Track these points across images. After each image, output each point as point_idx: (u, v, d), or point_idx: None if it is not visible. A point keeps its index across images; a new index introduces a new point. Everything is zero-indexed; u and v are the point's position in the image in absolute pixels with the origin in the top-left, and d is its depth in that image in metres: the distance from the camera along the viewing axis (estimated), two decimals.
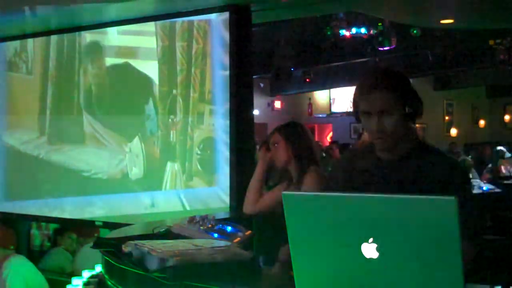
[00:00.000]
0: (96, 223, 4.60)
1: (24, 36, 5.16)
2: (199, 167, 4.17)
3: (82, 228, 5.01)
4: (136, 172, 4.51)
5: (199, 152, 4.17)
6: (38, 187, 5.09)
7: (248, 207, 2.97)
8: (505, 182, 7.34)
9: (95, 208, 4.68)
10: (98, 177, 4.73)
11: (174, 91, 4.30)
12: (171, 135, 4.32)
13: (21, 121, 5.30)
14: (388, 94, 1.87)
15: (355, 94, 1.96)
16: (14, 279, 3.77)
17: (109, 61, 4.69)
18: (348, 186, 2.03)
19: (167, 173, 4.33)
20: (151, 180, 4.41)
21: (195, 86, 4.19)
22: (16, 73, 5.29)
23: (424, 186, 1.86)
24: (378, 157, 1.98)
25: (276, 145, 2.80)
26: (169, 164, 4.32)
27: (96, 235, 4.70)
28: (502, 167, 8.03)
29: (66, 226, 5.09)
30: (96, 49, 4.75)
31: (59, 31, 4.91)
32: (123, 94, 4.67)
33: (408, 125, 1.94)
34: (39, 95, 5.13)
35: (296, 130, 2.83)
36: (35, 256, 5.23)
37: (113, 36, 4.67)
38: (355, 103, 1.96)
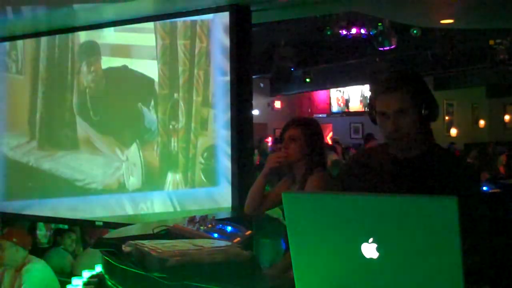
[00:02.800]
0: (97, 223, 4.59)
1: (16, 37, 5.10)
2: (202, 177, 4.06)
3: (85, 230, 5.00)
4: (133, 182, 4.34)
5: (202, 161, 4.04)
6: (28, 195, 4.96)
7: (251, 208, 2.94)
8: (503, 181, 7.31)
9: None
10: (92, 187, 4.54)
11: (176, 95, 4.19)
12: (172, 142, 4.20)
13: (10, 125, 5.15)
14: (404, 95, 1.88)
15: (371, 96, 1.98)
16: (32, 284, 3.79)
17: (106, 60, 4.56)
18: (362, 184, 2.04)
19: (168, 184, 4.20)
20: (150, 191, 4.28)
21: (198, 89, 4.11)
22: (9, 73, 5.17)
23: (436, 186, 1.87)
24: (393, 155, 1.99)
25: (294, 140, 2.69)
26: (169, 174, 4.19)
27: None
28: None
29: (66, 227, 5.08)
30: (92, 48, 4.62)
31: (54, 31, 4.84)
32: (120, 97, 4.55)
33: (423, 127, 1.94)
34: (29, 97, 4.99)
35: (316, 129, 2.74)
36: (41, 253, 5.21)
37: (110, 34, 4.56)
38: (371, 104, 1.98)
